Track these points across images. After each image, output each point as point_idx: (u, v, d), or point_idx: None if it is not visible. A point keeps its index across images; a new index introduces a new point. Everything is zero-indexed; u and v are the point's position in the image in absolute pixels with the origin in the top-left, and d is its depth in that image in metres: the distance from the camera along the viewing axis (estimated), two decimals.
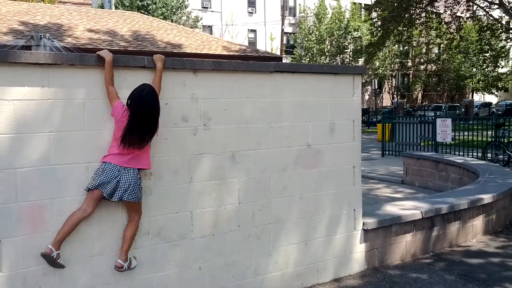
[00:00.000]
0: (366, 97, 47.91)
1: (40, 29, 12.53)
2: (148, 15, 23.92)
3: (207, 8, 40.73)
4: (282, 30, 33.95)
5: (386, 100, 46.54)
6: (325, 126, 4.66)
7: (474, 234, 6.04)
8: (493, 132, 13.13)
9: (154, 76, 3.61)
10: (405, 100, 43.03)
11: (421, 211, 5.35)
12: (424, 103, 46.59)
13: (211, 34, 33.42)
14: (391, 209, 5.47)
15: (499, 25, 36.24)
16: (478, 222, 6.11)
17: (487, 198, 6.12)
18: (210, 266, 3.97)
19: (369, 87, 46.30)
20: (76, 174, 3.37)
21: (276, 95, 4.31)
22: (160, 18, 25.01)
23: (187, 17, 33.45)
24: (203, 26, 36.97)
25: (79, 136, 3.38)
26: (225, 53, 14.04)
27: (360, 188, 4.95)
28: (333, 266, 4.74)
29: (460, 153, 13.05)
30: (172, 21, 28.84)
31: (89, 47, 12.18)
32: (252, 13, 43.35)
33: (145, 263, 3.65)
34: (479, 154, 12.76)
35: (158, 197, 3.70)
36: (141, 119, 3.30)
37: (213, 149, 3.96)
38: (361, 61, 42.02)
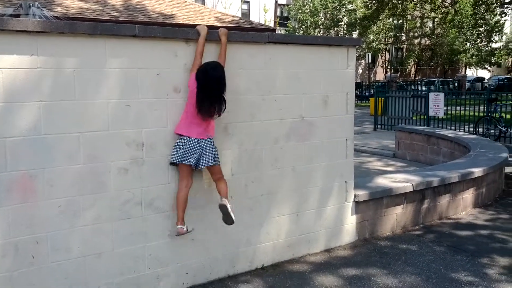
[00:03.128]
0: (360, 71, 47.74)
1: None
2: None
3: None
4: (276, 1, 33.53)
5: (380, 74, 46.42)
6: (319, 98, 4.64)
7: (464, 207, 6.11)
8: (485, 107, 13.17)
9: (220, 49, 3.86)
10: (399, 74, 42.95)
11: (412, 184, 5.39)
12: (417, 78, 46.54)
13: (204, 4, 32.86)
14: (383, 181, 5.50)
15: None
16: (468, 195, 6.17)
17: (477, 171, 6.17)
18: (203, 238, 3.98)
19: (362, 61, 46.08)
20: (67, 144, 3.34)
21: (269, 67, 4.26)
22: None
23: None
24: None
25: (69, 105, 3.34)
26: (218, 24, 13.85)
27: (352, 161, 4.96)
28: (325, 237, 4.79)
29: (452, 128, 13.11)
30: None
31: (79, 16, 11.96)
32: None
33: (136, 232, 3.66)
34: (471, 129, 12.84)
35: (150, 168, 3.69)
36: (206, 92, 3.58)
37: None
38: (355, 34, 41.68)
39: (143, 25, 3.60)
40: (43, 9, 7.73)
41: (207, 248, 4.02)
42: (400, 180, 5.55)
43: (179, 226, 3.68)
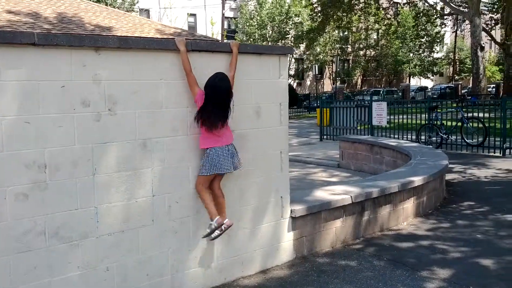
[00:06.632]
0: (308, 82, 48.31)
1: None
2: None
3: None
4: (223, 14, 33.44)
5: (327, 86, 47.11)
6: (250, 109, 4.37)
7: (405, 217, 5.98)
8: (426, 115, 13.37)
9: (231, 58, 4.06)
10: (345, 85, 43.73)
11: (351, 196, 5.20)
12: (363, 88, 47.53)
13: (149, 18, 32.28)
14: (321, 194, 5.28)
15: (434, 11, 37.42)
16: (409, 205, 6.05)
17: (417, 180, 6.07)
18: (119, 265, 3.59)
19: (310, 73, 46.65)
20: None
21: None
22: (94, 2, 23.83)
23: (122, 0, 32.15)
24: (139, 9, 35.72)
25: None
26: (159, 36, 13.46)
27: (287, 174, 4.71)
28: (260, 257, 4.49)
29: (396, 136, 13.23)
30: (106, 4, 27.61)
31: (7, 29, 11.27)
32: None
33: (39, 266, 3.23)
34: (414, 137, 12.98)
35: (55, 192, 3.28)
36: (215, 104, 3.73)
37: (120, 137, 3.56)
38: (302, 47, 42.17)
39: (45, 33, 3.21)
40: None
41: (126, 279, 3.63)
42: (339, 192, 5.34)
43: (226, 220, 3.94)
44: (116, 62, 3.53)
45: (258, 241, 4.46)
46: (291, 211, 4.69)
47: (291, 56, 41.99)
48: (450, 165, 7.96)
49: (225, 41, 35.02)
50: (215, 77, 3.83)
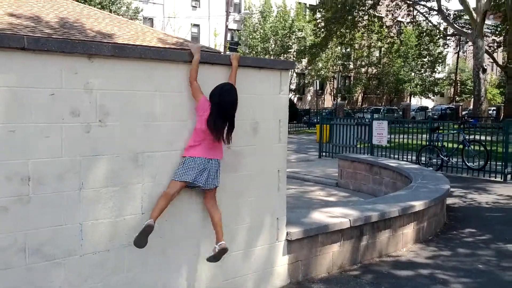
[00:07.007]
0: (309, 97, 48.27)
1: None
2: (84, 3, 22.65)
3: None
4: (226, 26, 33.39)
5: (328, 102, 47.07)
6: (247, 125, 4.19)
7: (404, 243, 5.78)
8: (427, 136, 13.22)
9: (230, 72, 3.93)
10: (346, 102, 43.68)
11: (350, 219, 5.00)
12: (364, 106, 47.52)
13: (152, 26, 32.27)
14: (318, 216, 5.08)
15: (437, 31, 37.51)
16: (409, 230, 5.85)
17: (418, 205, 5.88)
18: (104, 286, 3.38)
19: (311, 88, 46.64)
20: None
21: (190, 89, 3.78)
22: (98, 8, 23.79)
23: (127, 7, 32.16)
24: (143, 18, 35.73)
25: None
26: (160, 45, 13.34)
27: (285, 194, 4.53)
28: (253, 282, 4.28)
29: (396, 156, 13.04)
30: (110, 11, 27.59)
31: (8, 32, 11.14)
32: (196, 7, 42.45)
33: (19, 286, 3.03)
34: (414, 158, 12.80)
35: (38, 206, 3.08)
36: (220, 113, 3.62)
37: (111, 150, 3.38)
38: (304, 62, 42.20)
39: (35, 37, 3.05)
40: None
41: None
42: (337, 215, 5.15)
43: (222, 243, 3.71)
44: (110, 70, 3.36)
45: (251, 264, 4.25)
46: (287, 233, 4.49)
47: (292, 70, 42.07)
48: (451, 189, 7.76)
49: (228, 53, 35.05)
50: (221, 87, 3.73)
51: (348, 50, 46.56)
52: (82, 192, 3.26)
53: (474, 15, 28.20)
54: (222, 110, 3.64)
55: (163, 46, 13.39)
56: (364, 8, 32.39)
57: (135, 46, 3.63)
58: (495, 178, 11.26)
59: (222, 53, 21.13)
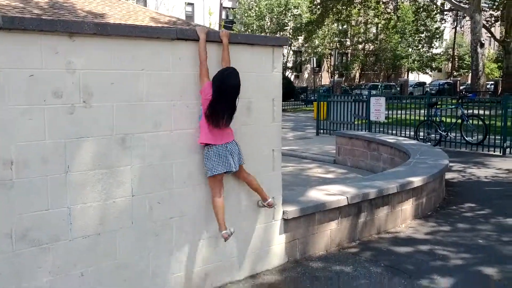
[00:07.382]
0: (306, 75, 47.90)
1: None
2: None
3: None
4: (221, 4, 32.96)
5: (325, 79, 46.75)
6: (240, 104, 4.02)
7: (403, 219, 5.71)
8: (425, 111, 13.08)
9: (222, 52, 3.76)
10: (343, 79, 43.39)
11: (347, 197, 4.91)
12: (361, 82, 47.20)
13: (146, 6, 31.77)
14: (315, 194, 4.99)
15: (434, 6, 37.04)
16: (407, 207, 5.77)
17: (417, 181, 5.79)
18: (95, 270, 3.30)
19: (308, 65, 46.22)
20: None
21: (179, 68, 3.65)
22: None
23: None
24: None
25: None
26: (153, 24, 13.08)
27: (280, 174, 4.43)
28: (249, 261, 4.21)
29: (394, 132, 12.94)
30: None
31: None
32: None
33: (5, 272, 2.94)
34: (412, 133, 12.70)
35: (23, 191, 2.98)
36: (222, 100, 3.53)
37: (96, 132, 3.26)
38: (301, 39, 41.75)
39: (10, 16, 2.90)
40: None
41: (101, 285, 3.34)
42: (335, 193, 5.06)
43: (223, 232, 3.68)
44: (92, 49, 3.22)
45: (247, 243, 4.17)
46: (283, 212, 4.41)
47: (289, 48, 41.63)
48: (450, 164, 7.67)
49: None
50: (224, 71, 3.65)
51: (345, 26, 46.06)
52: (69, 175, 3.15)
53: None
54: (224, 95, 3.56)
55: (155, 25, 13.12)
56: None
57: (119, 24, 3.48)
58: (494, 152, 11.18)
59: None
